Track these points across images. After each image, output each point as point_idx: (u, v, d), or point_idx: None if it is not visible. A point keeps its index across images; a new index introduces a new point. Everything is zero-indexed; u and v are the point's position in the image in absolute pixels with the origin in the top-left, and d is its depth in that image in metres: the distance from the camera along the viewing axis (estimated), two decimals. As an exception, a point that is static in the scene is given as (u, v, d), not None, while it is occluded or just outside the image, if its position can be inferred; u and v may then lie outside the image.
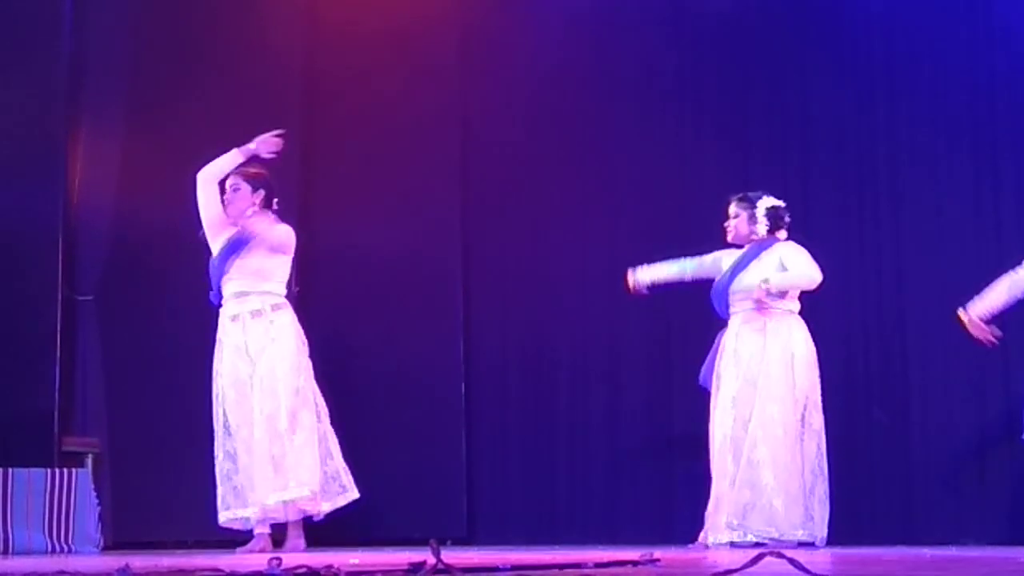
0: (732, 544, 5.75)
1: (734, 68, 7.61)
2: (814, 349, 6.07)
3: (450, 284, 7.65)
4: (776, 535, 5.76)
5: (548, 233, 7.72)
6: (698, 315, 6.76)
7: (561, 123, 7.80)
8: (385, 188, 7.55)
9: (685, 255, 6.73)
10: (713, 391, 6.13)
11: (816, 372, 6.07)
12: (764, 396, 5.89)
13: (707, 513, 6.02)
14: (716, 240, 6.49)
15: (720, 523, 5.83)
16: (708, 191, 7.42)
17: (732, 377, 5.98)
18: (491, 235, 7.78)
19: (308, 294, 7.36)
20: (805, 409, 5.95)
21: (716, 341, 6.23)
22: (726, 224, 6.23)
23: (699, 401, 6.95)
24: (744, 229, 6.11)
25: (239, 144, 5.93)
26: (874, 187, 7.31)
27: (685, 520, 7.06)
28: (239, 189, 5.89)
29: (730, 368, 6.00)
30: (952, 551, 5.34)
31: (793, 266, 6.02)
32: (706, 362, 6.24)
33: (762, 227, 6.05)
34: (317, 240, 7.36)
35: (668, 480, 7.36)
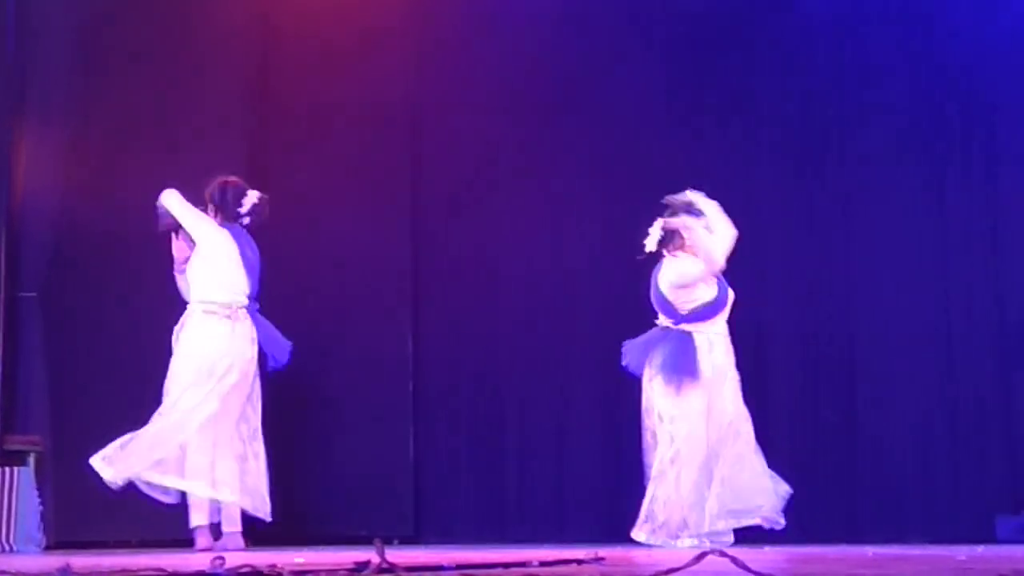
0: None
1: (686, 68, 7.64)
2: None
3: (400, 283, 7.63)
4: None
5: (499, 233, 7.72)
6: (648, 314, 6.82)
7: (513, 122, 7.79)
8: (335, 187, 7.51)
9: (636, 254, 6.78)
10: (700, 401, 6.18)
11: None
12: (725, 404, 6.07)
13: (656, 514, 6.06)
14: None
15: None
16: (660, 191, 7.46)
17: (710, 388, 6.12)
18: (442, 235, 7.77)
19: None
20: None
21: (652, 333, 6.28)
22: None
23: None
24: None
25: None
26: (823, 188, 7.38)
27: (633, 519, 7.09)
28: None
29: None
30: (894, 549, 5.40)
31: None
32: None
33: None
34: (266, 239, 7.32)
35: (616, 479, 7.39)
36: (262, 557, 3.64)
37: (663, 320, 6.24)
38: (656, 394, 6.10)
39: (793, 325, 7.26)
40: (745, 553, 3.60)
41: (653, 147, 7.60)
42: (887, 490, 6.98)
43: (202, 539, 5.69)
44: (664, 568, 2.23)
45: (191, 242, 5.85)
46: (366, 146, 7.60)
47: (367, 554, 2.82)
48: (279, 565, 2.72)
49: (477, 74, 7.73)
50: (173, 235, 5.85)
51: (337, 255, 7.45)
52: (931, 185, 7.21)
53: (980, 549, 5.22)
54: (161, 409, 5.68)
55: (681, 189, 7.11)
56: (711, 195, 7.35)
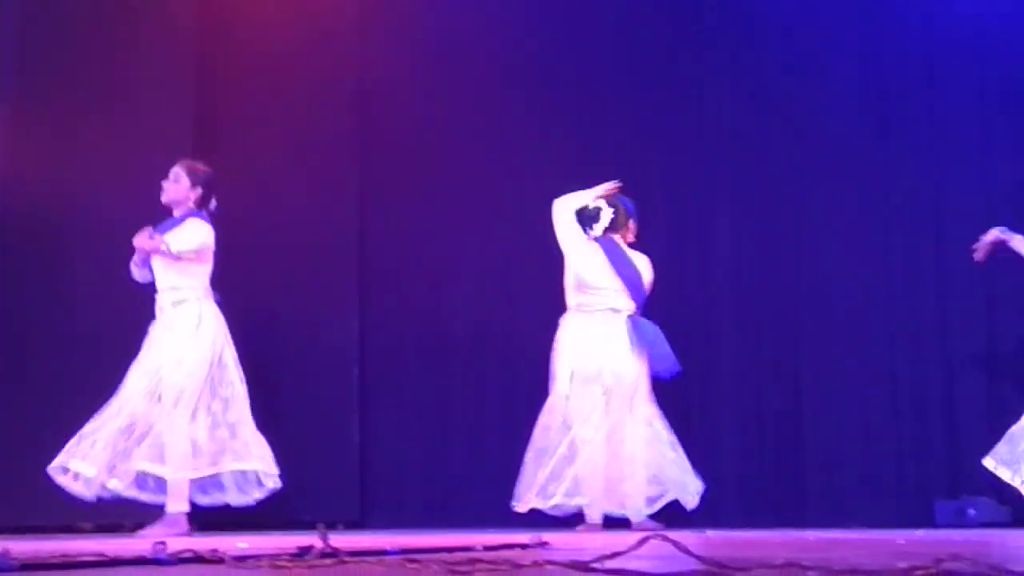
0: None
1: (639, 57, 7.67)
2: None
3: (346, 266, 7.61)
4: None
5: (447, 216, 7.71)
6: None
7: (461, 103, 7.78)
8: (281, 167, 7.45)
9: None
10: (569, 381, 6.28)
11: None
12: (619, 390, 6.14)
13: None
14: None
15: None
16: (608, 177, 7.49)
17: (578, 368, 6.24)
18: (389, 215, 7.74)
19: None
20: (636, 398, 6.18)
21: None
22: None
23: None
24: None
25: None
26: (771, 181, 7.42)
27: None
28: (179, 180, 5.92)
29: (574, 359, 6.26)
30: (835, 534, 5.45)
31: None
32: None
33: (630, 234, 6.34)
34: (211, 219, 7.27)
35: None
36: (205, 542, 3.62)
37: (632, 308, 6.23)
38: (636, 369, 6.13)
39: (740, 313, 7.31)
40: (687, 537, 3.63)
41: (603, 135, 7.62)
42: (831, 476, 7.05)
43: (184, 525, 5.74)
44: (608, 552, 2.24)
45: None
46: (313, 130, 7.55)
47: (310, 539, 2.81)
48: (221, 550, 2.70)
49: (424, 55, 7.71)
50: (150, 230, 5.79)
51: (283, 239, 7.40)
52: (876, 179, 7.28)
53: (919, 533, 5.30)
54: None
55: (630, 177, 7.15)
56: (660, 187, 7.42)
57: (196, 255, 5.88)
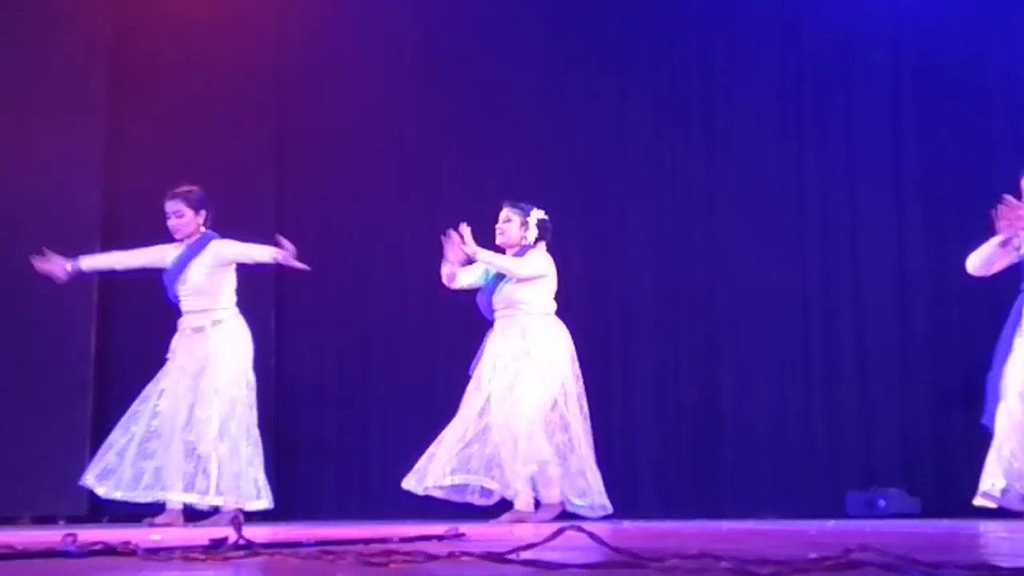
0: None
1: (555, 47, 7.69)
2: (569, 346, 6.24)
3: (263, 271, 7.50)
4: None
5: (364, 203, 7.69)
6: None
7: (379, 96, 7.76)
8: (197, 157, 7.37)
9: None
10: (472, 384, 6.30)
11: (571, 366, 6.22)
12: (519, 391, 6.12)
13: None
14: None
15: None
16: (526, 171, 7.51)
17: (490, 374, 6.22)
18: (305, 209, 7.69)
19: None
20: (564, 399, 6.16)
21: (484, 339, 6.36)
22: (497, 226, 6.32)
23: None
24: (515, 234, 6.28)
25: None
26: (687, 170, 7.48)
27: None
28: (183, 215, 6.14)
29: (488, 367, 6.24)
30: (749, 524, 5.52)
31: (522, 261, 6.25)
32: (476, 355, 6.36)
33: (532, 234, 6.26)
34: (124, 212, 7.19)
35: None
36: (117, 534, 3.57)
37: None
38: (557, 373, 6.18)
39: (656, 308, 7.36)
40: (603, 528, 3.65)
41: (520, 128, 7.63)
42: (745, 468, 7.13)
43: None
44: (523, 543, 2.24)
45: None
46: (228, 123, 7.49)
47: (224, 531, 2.78)
48: (134, 542, 2.67)
49: (342, 41, 7.69)
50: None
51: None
52: (791, 172, 7.36)
53: (831, 524, 5.38)
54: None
55: (548, 170, 7.19)
56: (576, 178, 7.44)
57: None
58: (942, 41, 7.20)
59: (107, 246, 7.21)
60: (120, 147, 7.35)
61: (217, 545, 2.57)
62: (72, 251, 7.05)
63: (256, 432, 6.19)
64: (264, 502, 6.14)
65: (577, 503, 6.10)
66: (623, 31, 7.64)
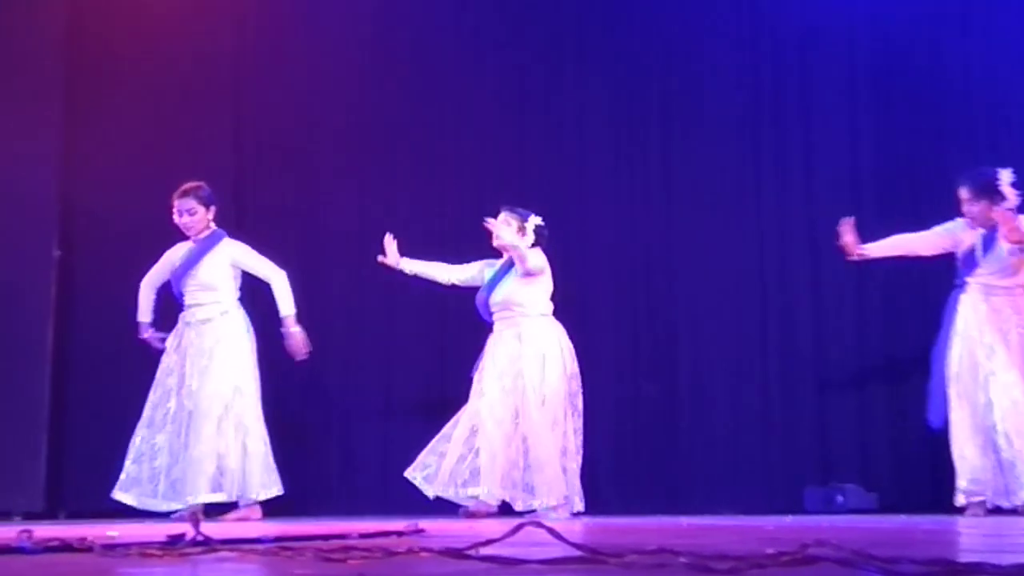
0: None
1: (510, 43, 7.69)
2: (568, 347, 6.35)
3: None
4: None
5: (323, 198, 7.66)
6: (472, 297, 6.94)
7: (338, 85, 7.73)
8: (155, 145, 7.31)
9: (462, 230, 6.84)
10: (475, 388, 6.38)
11: (568, 367, 6.32)
12: (520, 393, 6.22)
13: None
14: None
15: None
16: (482, 166, 7.51)
17: (492, 378, 6.29)
18: (264, 198, 7.64)
19: (71, 257, 7.15)
20: (564, 399, 6.27)
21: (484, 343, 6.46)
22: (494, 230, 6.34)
23: (471, 370, 7.09)
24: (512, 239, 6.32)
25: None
26: (645, 167, 7.50)
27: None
28: (195, 212, 6.29)
29: (490, 369, 6.32)
30: (707, 520, 5.54)
31: (533, 252, 6.35)
32: (477, 359, 6.46)
33: (528, 240, 6.32)
34: (81, 202, 7.15)
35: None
36: (73, 530, 3.54)
37: None
38: (552, 375, 6.29)
39: (615, 301, 7.37)
40: (562, 524, 3.66)
41: (480, 121, 7.62)
42: (704, 464, 7.15)
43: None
44: (482, 539, 2.24)
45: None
46: (186, 111, 7.44)
47: (182, 527, 2.77)
48: (90, 538, 2.65)
49: (301, 32, 7.66)
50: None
51: (156, 222, 7.23)
52: (748, 169, 7.38)
53: (788, 519, 5.42)
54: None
55: (506, 164, 7.20)
56: (534, 172, 7.45)
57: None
58: (897, 36, 7.26)
59: (64, 235, 7.17)
60: (77, 136, 7.30)
61: (174, 541, 2.56)
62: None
63: (262, 420, 6.34)
64: (275, 489, 6.29)
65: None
66: (583, 22, 7.64)
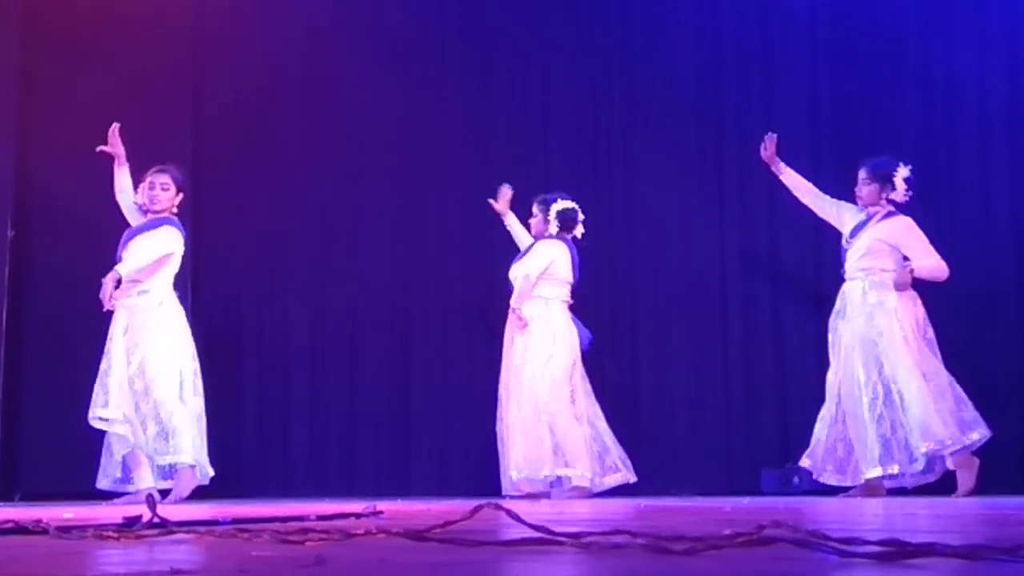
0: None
1: (476, 45, 7.70)
2: (571, 329, 6.54)
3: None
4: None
5: (283, 188, 7.63)
6: (435, 283, 6.97)
7: (299, 72, 7.69)
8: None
9: (425, 222, 6.88)
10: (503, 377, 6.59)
11: (572, 347, 6.48)
12: (532, 374, 6.41)
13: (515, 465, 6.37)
14: (459, 199, 6.61)
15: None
16: (448, 161, 7.50)
17: (509, 357, 6.54)
18: (222, 190, 7.61)
19: (26, 237, 7.09)
20: (572, 376, 6.48)
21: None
22: (529, 220, 6.69)
23: (436, 360, 7.10)
24: (540, 227, 6.64)
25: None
26: (608, 161, 7.52)
27: (422, 475, 7.18)
28: (168, 189, 6.26)
29: (508, 348, 6.56)
30: (665, 502, 5.58)
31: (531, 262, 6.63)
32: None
33: (553, 227, 6.59)
34: (37, 184, 7.08)
35: (404, 434, 7.42)
36: (28, 513, 3.52)
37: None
38: (560, 354, 6.49)
39: (579, 291, 7.38)
40: (521, 506, 3.67)
41: (444, 114, 7.60)
42: (663, 446, 7.19)
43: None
44: (440, 521, 2.25)
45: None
46: (144, 97, 7.38)
47: (138, 508, 2.75)
48: (45, 521, 2.63)
49: (261, 19, 7.63)
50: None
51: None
52: (706, 161, 7.42)
53: (745, 501, 5.46)
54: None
55: (468, 162, 7.20)
56: (498, 170, 7.43)
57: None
58: (857, 18, 7.30)
59: (18, 215, 7.07)
60: (33, 116, 7.23)
61: (131, 523, 2.54)
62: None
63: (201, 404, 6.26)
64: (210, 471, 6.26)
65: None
66: (545, 20, 7.65)
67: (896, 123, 7.17)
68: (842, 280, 6.24)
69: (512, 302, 6.50)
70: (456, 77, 7.65)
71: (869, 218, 6.16)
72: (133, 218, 6.32)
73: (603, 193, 7.45)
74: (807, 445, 6.25)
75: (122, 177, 6.29)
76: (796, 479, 6.60)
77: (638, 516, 3.69)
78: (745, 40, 7.45)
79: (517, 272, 6.62)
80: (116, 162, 6.26)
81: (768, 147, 6.38)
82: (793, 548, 1.77)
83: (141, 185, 6.27)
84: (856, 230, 6.18)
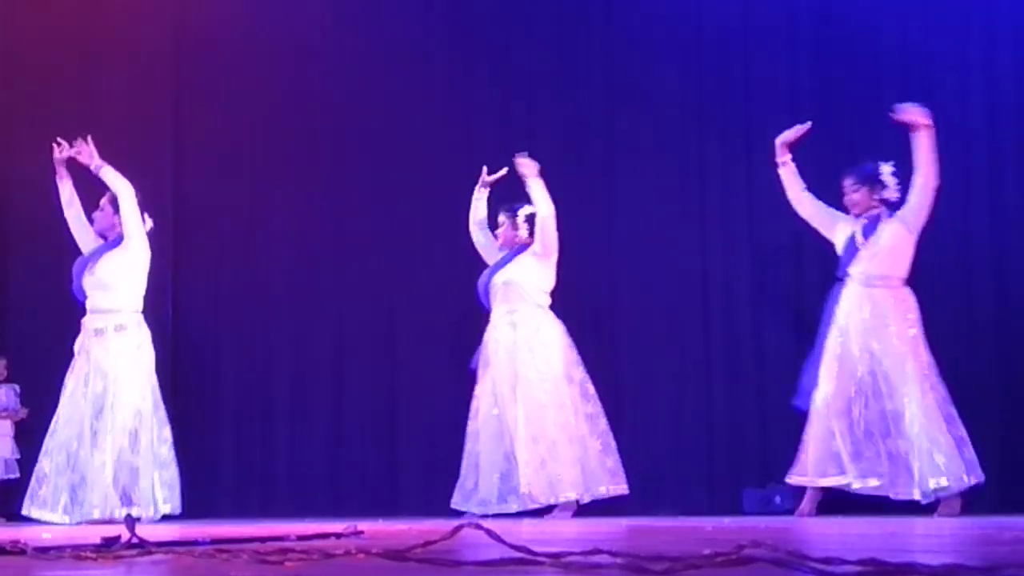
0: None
1: (458, 48, 7.69)
2: (562, 333, 6.59)
3: (162, 246, 7.39)
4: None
5: (264, 186, 7.63)
6: (421, 299, 6.97)
7: (281, 67, 7.68)
8: (91, 126, 7.22)
9: (405, 227, 6.89)
10: (480, 375, 6.59)
11: (565, 353, 6.55)
12: (521, 380, 6.43)
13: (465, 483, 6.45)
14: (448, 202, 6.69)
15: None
16: (429, 165, 7.49)
17: (492, 364, 6.52)
18: (203, 192, 7.58)
19: (5, 250, 7.09)
20: (569, 383, 6.52)
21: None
22: (496, 231, 6.73)
23: (421, 376, 7.08)
24: (509, 234, 6.69)
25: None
26: (591, 167, 7.51)
27: (409, 493, 7.15)
28: (104, 208, 6.31)
29: (489, 356, 6.54)
30: (648, 521, 5.57)
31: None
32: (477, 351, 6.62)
33: (523, 231, 6.67)
34: (13, 181, 7.09)
35: (390, 453, 7.40)
36: (6, 533, 3.50)
37: None
38: (553, 360, 6.56)
39: (556, 301, 7.37)
40: (501, 526, 3.66)
41: (429, 119, 7.59)
42: (645, 465, 7.16)
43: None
44: (421, 541, 2.24)
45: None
46: (124, 93, 7.38)
47: (117, 529, 2.74)
48: (23, 541, 2.62)
49: (242, 16, 7.63)
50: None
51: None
52: (689, 168, 7.42)
53: (726, 521, 5.45)
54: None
55: (449, 166, 7.19)
56: (474, 167, 7.41)
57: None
58: (837, 14, 7.32)
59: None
60: (12, 126, 7.21)
61: (109, 544, 2.53)
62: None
63: (167, 436, 6.25)
64: (170, 506, 6.23)
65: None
66: (528, 16, 7.65)
67: (877, 119, 7.15)
68: (834, 284, 6.19)
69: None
70: (438, 86, 7.63)
71: (877, 219, 6.10)
72: (82, 234, 6.36)
73: (585, 202, 7.38)
74: (789, 465, 6.24)
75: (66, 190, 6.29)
76: (778, 499, 6.60)
77: (619, 536, 3.69)
78: (729, 41, 7.45)
79: (505, 277, 6.58)
80: (59, 174, 6.26)
81: (794, 134, 6.24)
82: (772, 568, 1.77)
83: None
84: (868, 231, 6.10)
